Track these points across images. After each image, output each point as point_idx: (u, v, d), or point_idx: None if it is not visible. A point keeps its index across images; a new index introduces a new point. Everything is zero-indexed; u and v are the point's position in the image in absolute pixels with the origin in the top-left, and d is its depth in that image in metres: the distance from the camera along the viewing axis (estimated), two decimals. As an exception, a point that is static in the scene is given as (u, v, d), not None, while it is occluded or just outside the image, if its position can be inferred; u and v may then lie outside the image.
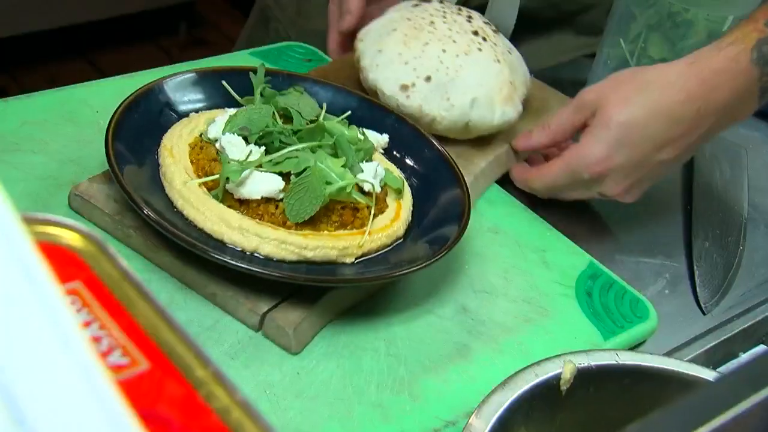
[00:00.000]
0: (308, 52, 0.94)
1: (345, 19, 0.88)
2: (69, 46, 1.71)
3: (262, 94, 0.72)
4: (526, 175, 0.79)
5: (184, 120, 0.72)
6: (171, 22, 1.93)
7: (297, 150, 0.67)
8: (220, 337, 0.62)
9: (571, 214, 0.83)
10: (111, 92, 0.81)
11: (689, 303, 0.76)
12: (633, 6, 0.90)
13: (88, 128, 0.76)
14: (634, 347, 0.71)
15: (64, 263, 0.36)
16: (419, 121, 0.78)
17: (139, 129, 0.69)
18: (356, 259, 0.66)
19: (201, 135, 0.70)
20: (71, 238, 0.37)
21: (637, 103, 0.72)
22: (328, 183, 0.65)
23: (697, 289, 0.77)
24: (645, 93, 0.73)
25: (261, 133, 0.68)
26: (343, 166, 0.67)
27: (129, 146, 0.67)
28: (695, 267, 0.78)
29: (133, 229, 0.65)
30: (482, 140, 0.81)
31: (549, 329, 0.69)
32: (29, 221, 0.37)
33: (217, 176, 0.65)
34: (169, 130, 0.70)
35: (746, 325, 0.75)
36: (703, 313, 0.75)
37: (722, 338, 0.73)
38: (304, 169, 0.65)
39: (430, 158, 0.75)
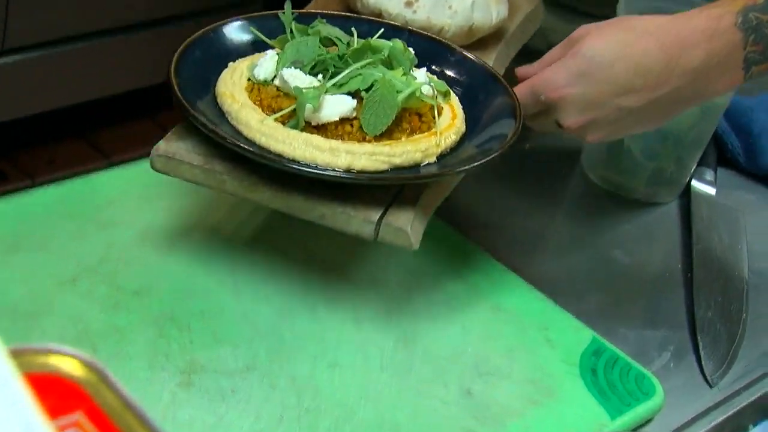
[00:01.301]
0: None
1: None
2: (67, 127, 1.72)
3: (292, 31, 0.76)
4: None
5: (227, 70, 0.74)
6: (168, 97, 1.95)
7: (357, 69, 0.71)
8: (225, 434, 0.62)
9: (573, 287, 0.83)
10: (110, 183, 0.83)
11: (695, 376, 0.76)
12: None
13: (88, 223, 0.76)
14: (641, 425, 0.70)
15: (65, 394, 0.36)
16: (428, 32, 0.83)
17: (190, 82, 0.71)
18: (436, 158, 0.70)
19: (249, 79, 0.72)
20: (72, 367, 0.37)
21: (610, 43, 0.73)
22: (399, 92, 0.69)
23: (702, 362, 0.76)
24: (621, 36, 0.73)
25: (314, 63, 0.72)
26: (403, 75, 0.71)
27: (191, 99, 0.69)
28: (699, 338, 0.78)
29: (225, 173, 0.68)
30: (480, 43, 0.87)
31: (555, 410, 0.69)
32: (29, 353, 0.37)
33: (288, 109, 0.68)
34: (219, 80, 0.73)
35: (754, 398, 0.74)
36: (710, 386, 0.75)
37: (730, 412, 0.72)
38: (372, 84, 0.69)
39: (455, 62, 0.81)
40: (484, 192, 0.93)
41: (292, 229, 0.81)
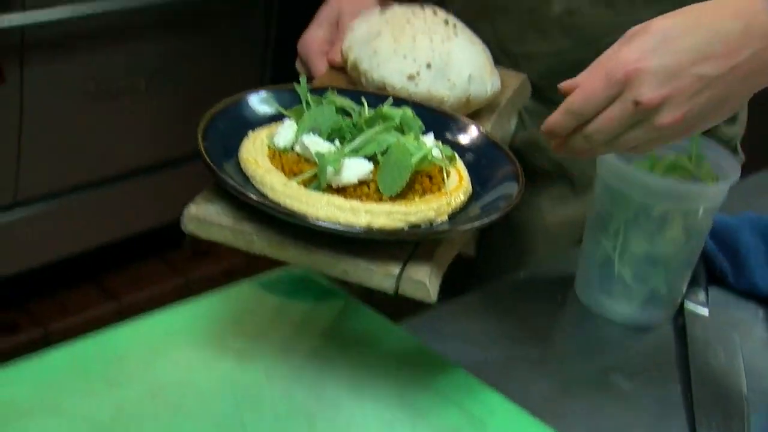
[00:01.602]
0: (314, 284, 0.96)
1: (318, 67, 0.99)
2: (77, 273, 1.77)
3: (308, 102, 0.82)
4: (567, 100, 0.77)
5: (247, 139, 0.80)
6: (175, 237, 2.00)
7: (372, 134, 0.77)
8: None
9: (574, 414, 0.84)
10: (120, 338, 0.85)
11: (702, 501, 0.76)
12: (609, 205, 0.95)
13: (99, 381, 0.78)
14: None
15: None
16: (429, 104, 0.89)
17: (215, 151, 0.77)
18: (448, 216, 0.76)
19: (269, 147, 0.78)
20: None
21: (680, 17, 0.74)
22: (412, 155, 0.75)
23: (708, 487, 0.77)
24: (690, 10, 0.74)
25: (330, 130, 0.78)
26: (414, 139, 0.78)
27: (218, 166, 0.75)
28: (703, 462, 0.79)
29: (254, 233, 0.73)
30: (475, 115, 0.94)
31: None
32: None
33: (310, 173, 0.74)
34: (241, 149, 0.79)
35: None
36: None
37: None
38: (387, 148, 0.75)
39: (458, 129, 0.87)
40: (480, 322, 0.95)
41: (295, 383, 0.83)
